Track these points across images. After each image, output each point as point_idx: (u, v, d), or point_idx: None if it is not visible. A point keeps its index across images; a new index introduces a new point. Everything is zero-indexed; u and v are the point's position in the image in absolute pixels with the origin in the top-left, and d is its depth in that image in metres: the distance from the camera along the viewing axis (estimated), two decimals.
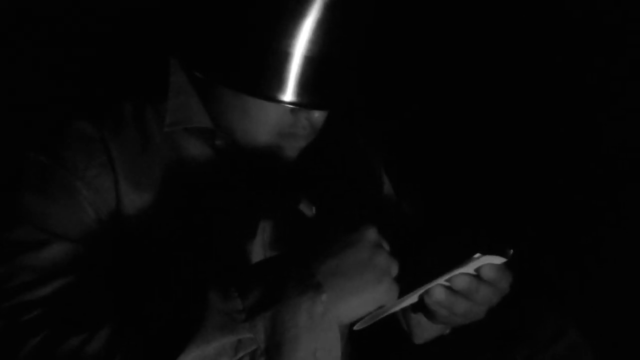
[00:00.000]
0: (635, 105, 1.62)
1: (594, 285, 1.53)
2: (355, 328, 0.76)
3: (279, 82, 0.86)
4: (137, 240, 0.88)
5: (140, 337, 0.70)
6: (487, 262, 0.78)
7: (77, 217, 0.84)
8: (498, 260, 0.79)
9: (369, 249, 0.75)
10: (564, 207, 1.62)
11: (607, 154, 1.63)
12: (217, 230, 0.91)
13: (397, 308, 0.78)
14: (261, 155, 0.92)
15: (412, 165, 1.50)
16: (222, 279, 0.73)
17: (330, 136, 1.03)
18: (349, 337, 1.04)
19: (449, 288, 0.79)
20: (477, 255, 0.77)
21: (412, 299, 0.79)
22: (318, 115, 0.91)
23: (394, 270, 0.76)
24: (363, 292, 0.73)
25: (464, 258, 0.77)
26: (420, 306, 0.82)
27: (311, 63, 0.86)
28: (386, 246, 0.77)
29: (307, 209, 0.92)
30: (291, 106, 0.88)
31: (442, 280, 0.78)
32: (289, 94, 0.86)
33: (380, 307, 0.75)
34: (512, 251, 0.79)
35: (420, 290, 0.78)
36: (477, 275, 0.79)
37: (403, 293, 0.77)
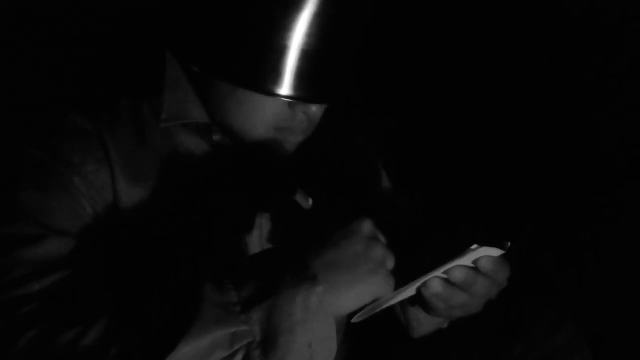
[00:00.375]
0: (633, 103, 1.62)
1: (592, 281, 1.53)
2: (352, 321, 0.76)
3: (276, 75, 0.85)
4: (134, 235, 0.88)
5: (136, 330, 0.71)
6: (485, 254, 0.78)
7: (74, 211, 0.85)
8: (495, 252, 0.79)
9: (364, 241, 0.75)
10: (563, 203, 1.62)
11: (605, 151, 1.64)
12: (215, 225, 0.91)
13: (394, 301, 0.78)
14: (258, 150, 0.92)
15: (410, 162, 1.50)
16: (217, 272, 0.74)
17: (328, 132, 1.03)
18: (345, 331, 1.04)
19: (446, 280, 0.79)
20: (475, 246, 0.77)
21: (410, 291, 0.80)
22: (315, 109, 0.91)
23: (390, 262, 0.76)
24: (358, 284, 0.73)
25: (461, 249, 0.77)
26: (418, 299, 0.82)
27: (309, 57, 0.86)
28: (382, 239, 0.77)
29: (303, 200, 0.92)
30: (288, 100, 0.88)
31: (439, 272, 0.78)
32: (286, 88, 0.86)
33: (377, 300, 0.75)
34: (509, 243, 0.79)
35: (418, 283, 0.79)
36: (475, 268, 0.79)
37: (400, 286, 0.78)
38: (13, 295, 0.76)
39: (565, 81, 1.70)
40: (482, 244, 0.77)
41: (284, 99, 0.87)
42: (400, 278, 0.78)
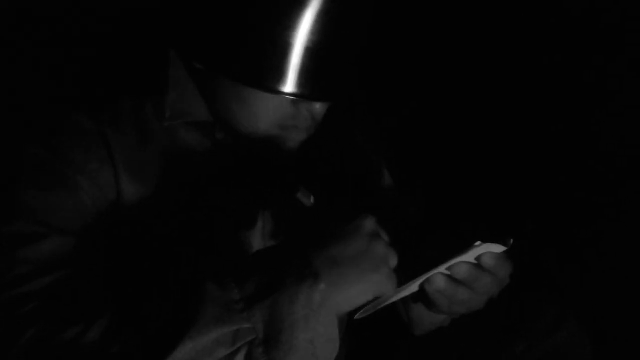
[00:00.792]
0: (633, 103, 1.62)
1: (594, 279, 1.54)
2: (355, 317, 0.76)
3: (280, 73, 0.85)
4: (136, 233, 0.88)
5: (137, 328, 0.71)
6: (487, 250, 0.78)
7: (76, 210, 0.84)
8: (498, 248, 0.79)
9: (367, 238, 0.75)
10: (564, 202, 1.62)
11: (606, 150, 1.64)
12: (217, 223, 0.91)
13: (397, 297, 0.78)
14: (261, 147, 0.92)
15: (411, 161, 1.50)
16: (219, 270, 0.74)
17: (330, 131, 1.03)
18: (348, 328, 1.04)
19: (449, 276, 0.79)
20: (478, 243, 0.77)
21: (412, 288, 0.79)
22: (319, 107, 0.91)
23: (392, 259, 0.76)
24: (360, 281, 0.73)
25: (464, 246, 0.77)
26: (421, 295, 0.82)
27: (312, 54, 0.86)
28: (384, 236, 0.77)
29: (305, 198, 0.92)
30: (292, 97, 0.88)
31: (442, 268, 0.78)
32: (289, 85, 0.86)
33: (379, 297, 0.75)
34: (512, 240, 0.79)
35: (421, 279, 0.79)
36: (477, 264, 0.79)
37: (402, 283, 0.78)
38: (14, 294, 0.76)
39: (566, 81, 1.70)
40: (484, 240, 0.77)
41: (287, 96, 0.87)
42: (403, 275, 0.78)
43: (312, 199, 0.92)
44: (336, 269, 0.73)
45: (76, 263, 0.81)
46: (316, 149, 1.02)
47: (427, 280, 0.79)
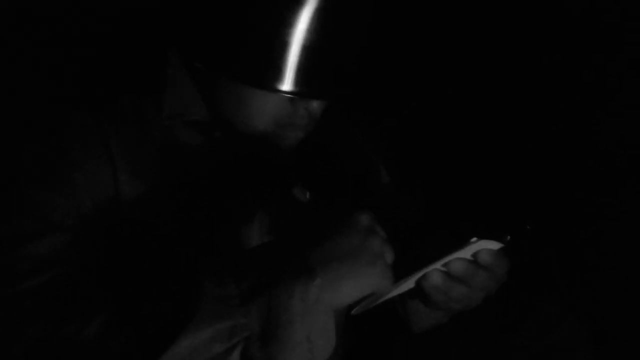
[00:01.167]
0: (633, 102, 1.62)
1: (594, 278, 1.54)
2: (352, 314, 0.76)
3: (278, 71, 0.86)
4: (135, 232, 0.88)
5: (136, 324, 0.71)
6: (484, 247, 0.79)
7: (76, 207, 0.84)
8: (495, 245, 0.79)
9: (362, 234, 0.75)
10: (564, 202, 1.62)
11: (606, 150, 1.64)
12: (215, 221, 0.91)
13: (394, 293, 0.78)
14: (259, 146, 0.92)
15: (411, 161, 1.50)
16: (216, 266, 0.74)
17: (329, 129, 1.03)
18: (346, 324, 1.04)
19: (445, 273, 0.79)
20: (474, 239, 0.77)
21: (409, 284, 0.80)
22: (316, 105, 0.91)
23: (388, 255, 0.76)
24: (356, 277, 0.73)
25: (461, 243, 0.77)
26: (418, 292, 0.82)
27: (310, 53, 0.86)
28: (381, 232, 0.77)
29: (301, 194, 0.93)
30: (290, 96, 0.88)
31: (439, 265, 0.78)
32: (287, 84, 0.86)
33: (375, 292, 0.75)
34: (509, 237, 0.79)
35: (417, 275, 0.79)
36: (474, 261, 0.80)
37: (399, 279, 0.78)
38: (14, 291, 0.76)
39: (565, 81, 1.71)
40: (481, 237, 0.77)
41: (285, 95, 0.87)
42: (400, 272, 0.78)
43: (307, 195, 0.92)
44: (332, 265, 0.73)
45: (76, 261, 0.82)
46: (315, 148, 1.02)
47: (424, 276, 0.79)
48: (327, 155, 1.06)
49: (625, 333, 1.45)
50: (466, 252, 0.78)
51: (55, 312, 0.74)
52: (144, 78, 0.96)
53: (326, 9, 0.85)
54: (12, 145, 0.87)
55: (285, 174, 0.98)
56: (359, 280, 0.74)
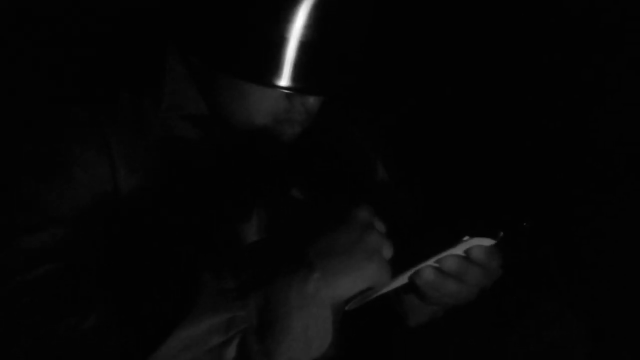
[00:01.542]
0: (632, 101, 1.63)
1: (592, 276, 1.54)
2: (347, 308, 0.77)
3: (275, 67, 0.86)
4: (133, 225, 0.88)
5: (134, 316, 0.71)
6: (477, 244, 0.79)
7: (73, 201, 0.85)
8: (488, 242, 0.80)
9: (360, 228, 0.75)
10: (563, 200, 1.62)
11: (605, 148, 1.64)
12: (212, 216, 0.92)
13: (388, 289, 0.78)
14: (256, 141, 0.93)
15: (410, 159, 1.50)
16: (214, 260, 0.74)
17: (326, 127, 1.04)
18: (343, 319, 1.04)
19: (438, 269, 0.80)
20: (466, 237, 0.78)
21: (403, 280, 0.80)
22: (313, 101, 0.92)
23: (386, 250, 0.76)
24: (353, 271, 0.73)
25: (454, 240, 0.78)
26: (412, 287, 0.83)
27: (307, 49, 0.87)
28: (379, 226, 0.77)
29: (300, 193, 0.93)
30: (287, 91, 0.88)
31: (431, 261, 0.79)
32: (284, 79, 0.87)
33: (372, 287, 0.76)
34: (502, 233, 0.80)
35: (410, 272, 0.79)
36: (467, 257, 0.80)
37: (395, 274, 0.78)
38: (13, 285, 0.77)
39: (565, 80, 1.71)
40: (473, 234, 0.78)
41: (282, 90, 0.88)
42: (396, 267, 0.79)
43: (305, 194, 0.93)
44: (329, 259, 0.73)
45: (74, 255, 0.82)
46: (314, 145, 1.02)
47: (416, 272, 0.79)
48: (325, 152, 1.06)
49: (623, 330, 1.45)
50: (459, 249, 0.79)
51: (53, 307, 0.75)
52: (141, 73, 0.97)
53: (323, 5, 0.86)
54: (10, 140, 0.88)
55: (283, 170, 0.98)
56: (357, 274, 0.74)
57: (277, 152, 0.94)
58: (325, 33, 0.87)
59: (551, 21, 1.74)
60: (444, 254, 0.78)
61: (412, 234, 0.93)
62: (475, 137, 1.74)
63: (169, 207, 0.90)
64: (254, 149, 0.95)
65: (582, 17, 1.70)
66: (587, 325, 0.99)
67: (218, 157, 0.95)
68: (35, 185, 0.84)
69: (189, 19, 0.91)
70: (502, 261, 0.83)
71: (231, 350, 0.70)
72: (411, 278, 0.80)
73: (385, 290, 0.78)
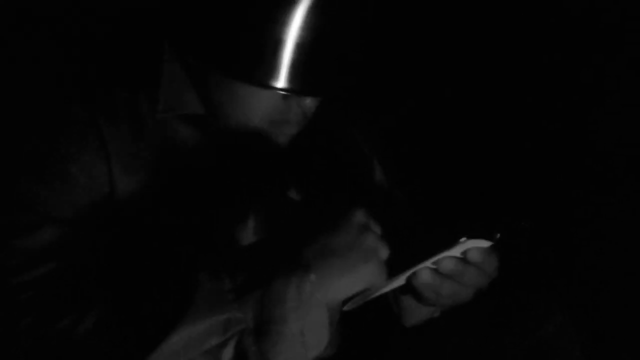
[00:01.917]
0: (632, 102, 1.63)
1: (592, 277, 1.54)
2: (344, 309, 0.77)
3: (272, 68, 0.86)
4: (130, 225, 0.88)
5: (131, 317, 0.72)
6: (474, 245, 0.79)
7: (70, 201, 0.85)
8: (484, 244, 0.80)
9: (356, 230, 0.76)
10: (562, 201, 1.62)
11: (604, 150, 1.65)
12: (209, 217, 0.92)
13: (385, 290, 0.79)
14: (253, 142, 0.93)
15: (409, 160, 1.51)
16: (211, 261, 0.75)
17: (324, 127, 1.04)
18: (340, 320, 1.04)
19: (435, 270, 0.80)
20: (463, 239, 0.78)
21: (400, 281, 0.80)
22: (310, 102, 0.92)
23: (382, 251, 0.77)
24: (350, 272, 0.74)
25: (451, 242, 0.78)
26: (409, 288, 0.83)
27: (303, 50, 0.87)
28: (375, 228, 0.78)
29: (295, 194, 0.93)
30: (283, 93, 0.89)
31: (428, 263, 0.79)
32: (281, 81, 0.87)
33: (368, 288, 0.76)
34: (498, 235, 0.80)
35: (408, 273, 0.79)
36: (464, 258, 0.80)
37: (392, 276, 0.78)
38: (10, 284, 0.77)
39: (565, 80, 1.71)
40: (470, 236, 0.78)
41: (279, 91, 0.88)
42: (393, 269, 0.79)
43: (301, 195, 0.93)
44: (326, 261, 0.74)
45: (71, 254, 0.82)
46: (312, 145, 1.03)
47: (414, 274, 0.80)
48: (324, 153, 1.06)
49: (622, 331, 1.45)
50: (456, 251, 0.79)
51: (51, 306, 0.75)
52: (138, 72, 0.96)
53: (320, 7, 0.86)
54: (8, 140, 0.88)
55: (281, 170, 0.99)
56: (353, 276, 0.74)
57: (273, 151, 0.95)
58: (322, 35, 0.87)
59: (551, 21, 1.74)
60: (441, 255, 0.79)
61: (409, 235, 0.93)
62: (475, 138, 1.74)
63: (167, 208, 0.90)
64: (251, 150, 0.95)
65: (582, 17, 1.70)
66: (587, 326, 0.99)
67: (215, 158, 0.95)
68: (33, 185, 0.84)
69: (187, 20, 0.91)
70: (499, 262, 0.84)
71: (228, 351, 0.71)
72: (408, 279, 0.81)
73: (382, 291, 0.78)
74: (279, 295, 0.71)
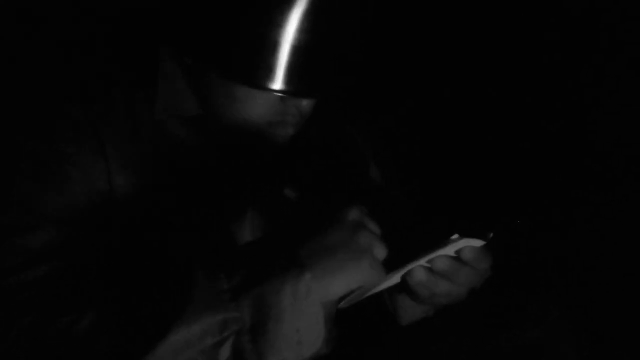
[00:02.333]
0: (631, 102, 1.63)
1: (591, 278, 1.54)
2: (339, 307, 0.77)
3: (268, 70, 0.87)
4: (128, 225, 0.89)
5: (128, 318, 0.72)
6: (467, 244, 0.80)
7: (69, 201, 0.85)
8: (478, 242, 0.80)
9: (351, 228, 0.76)
10: (561, 201, 1.62)
11: (603, 150, 1.65)
12: (206, 217, 0.92)
13: (380, 288, 0.79)
14: (250, 143, 0.93)
15: (408, 159, 1.51)
16: (208, 261, 0.75)
17: (323, 127, 1.04)
18: (335, 318, 1.04)
19: (429, 269, 0.80)
20: (456, 236, 0.79)
21: (395, 279, 0.81)
22: (306, 104, 0.92)
23: (378, 249, 0.77)
24: (345, 271, 0.74)
25: (444, 240, 0.79)
26: (403, 287, 0.83)
27: (300, 52, 0.87)
28: (371, 226, 0.78)
29: (292, 193, 0.94)
30: (280, 94, 0.89)
31: (423, 261, 0.80)
32: (278, 83, 0.87)
33: (363, 286, 0.76)
34: (491, 234, 0.80)
35: (402, 271, 0.80)
36: (457, 257, 0.81)
37: (387, 274, 0.79)
38: (8, 284, 0.77)
39: (564, 80, 1.71)
40: (463, 234, 0.78)
41: (276, 93, 0.88)
42: (388, 267, 0.79)
43: (298, 194, 0.93)
44: (321, 259, 0.74)
45: (71, 254, 0.83)
46: (309, 145, 1.03)
47: (408, 272, 0.80)
48: (321, 153, 1.07)
49: (622, 332, 1.45)
50: (450, 250, 0.80)
51: (50, 306, 0.75)
52: (136, 73, 0.97)
53: (317, 8, 0.86)
54: (6, 140, 0.88)
55: (277, 170, 0.99)
56: (348, 274, 0.74)
57: (270, 153, 0.95)
58: (319, 36, 0.88)
59: (551, 21, 1.74)
60: (435, 254, 0.79)
61: (404, 233, 0.94)
62: (474, 138, 1.74)
63: (164, 208, 0.90)
64: (248, 150, 0.95)
65: (582, 17, 1.70)
66: (587, 328, 1.00)
67: (212, 158, 0.95)
68: (31, 184, 0.84)
69: (184, 21, 0.91)
70: (493, 261, 0.84)
71: (225, 351, 0.71)
72: (403, 278, 0.81)
73: (377, 289, 0.78)
74: (274, 295, 0.71)
